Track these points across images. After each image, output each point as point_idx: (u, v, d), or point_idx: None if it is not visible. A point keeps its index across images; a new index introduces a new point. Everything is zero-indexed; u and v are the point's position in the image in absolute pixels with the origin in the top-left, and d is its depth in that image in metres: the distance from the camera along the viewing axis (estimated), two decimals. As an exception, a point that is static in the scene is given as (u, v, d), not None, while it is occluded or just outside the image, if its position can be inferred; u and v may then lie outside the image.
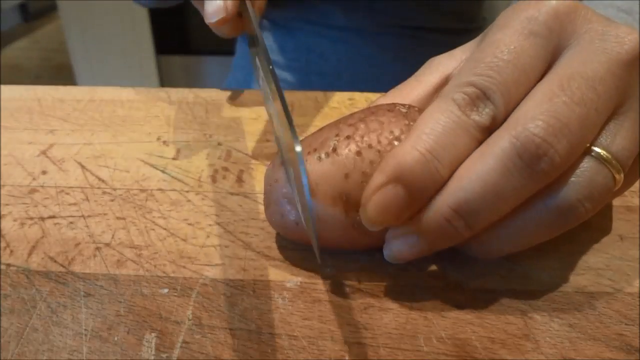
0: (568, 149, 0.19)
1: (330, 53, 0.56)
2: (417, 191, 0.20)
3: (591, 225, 0.26)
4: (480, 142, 0.20)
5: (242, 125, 0.35)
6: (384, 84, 0.56)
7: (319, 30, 0.56)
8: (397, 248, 0.21)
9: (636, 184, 0.28)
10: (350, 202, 0.22)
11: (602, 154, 0.20)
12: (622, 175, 0.21)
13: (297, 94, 0.39)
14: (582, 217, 0.20)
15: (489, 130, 0.20)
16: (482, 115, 0.20)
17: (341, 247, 0.24)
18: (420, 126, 0.20)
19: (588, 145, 0.20)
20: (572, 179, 0.20)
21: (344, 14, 0.54)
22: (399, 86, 0.26)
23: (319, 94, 0.39)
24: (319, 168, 0.22)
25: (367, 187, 0.20)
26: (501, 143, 0.19)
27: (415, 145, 0.20)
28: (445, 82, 0.25)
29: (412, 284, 0.23)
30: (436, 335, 0.21)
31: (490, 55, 0.21)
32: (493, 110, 0.20)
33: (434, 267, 0.24)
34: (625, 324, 0.21)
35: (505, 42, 0.21)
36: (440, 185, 0.20)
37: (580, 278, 0.23)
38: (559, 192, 0.20)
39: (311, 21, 0.56)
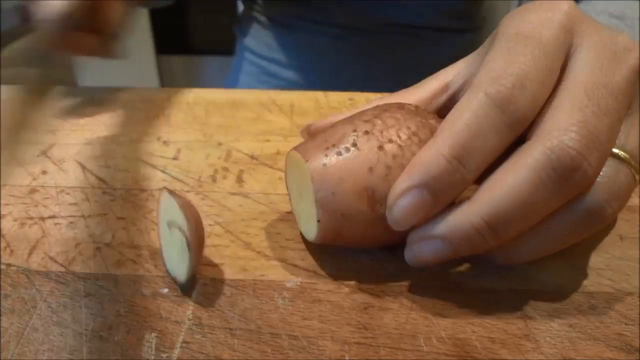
0: (599, 160, 0.19)
1: (330, 51, 0.56)
2: (443, 196, 0.20)
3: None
4: (508, 142, 0.20)
5: (242, 125, 0.35)
6: (384, 83, 0.56)
7: (319, 29, 0.56)
8: (420, 251, 0.21)
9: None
10: (375, 197, 0.21)
11: (620, 154, 0.21)
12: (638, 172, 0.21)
13: (297, 93, 0.39)
14: (610, 218, 0.21)
15: (519, 129, 0.20)
16: (516, 112, 0.20)
17: (361, 245, 0.24)
18: (449, 125, 0.20)
19: None
20: (597, 180, 0.20)
21: (344, 12, 0.54)
22: (399, 92, 0.27)
23: (319, 94, 0.39)
24: (342, 162, 0.22)
25: (393, 188, 0.21)
26: (535, 154, 0.19)
27: (442, 151, 0.20)
28: (445, 88, 0.26)
29: (412, 284, 0.23)
30: (436, 335, 0.21)
31: (523, 53, 0.21)
32: (525, 107, 0.20)
33: (434, 267, 0.24)
34: (625, 324, 0.21)
35: (537, 38, 0.21)
36: (466, 187, 0.20)
37: (580, 278, 0.23)
38: (587, 196, 0.20)
39: (311, 19, 0.56)
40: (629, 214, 0.27)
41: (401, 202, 0.20)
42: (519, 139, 0.21)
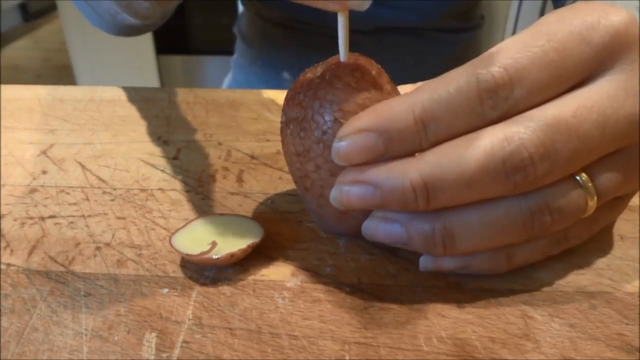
0: (547, 173, 0.19)
1: (329, 52, 0.56)
2: (394, 150, 0.20)
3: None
4: (476, 129, 0.20)
5: (242, 125, 0.35)
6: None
7: (318, 30, 0.56)
8: (348, 191, 0.21)
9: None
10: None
11: (583, 179, 0.21)
12: (594, 202, 0.21)
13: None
14: (547, 226, 0.21)
15: (492, 121, 0.20)
16: (495, 109, 0.20)
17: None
18: (432, 88, 0.20)
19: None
20: (548, 188, 0.20)
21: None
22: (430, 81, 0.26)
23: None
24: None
25: (350, 122, 0.20)
26: (493, 140, 0.19)
27: (414, 108, 0.20)
28: None
29: (412, 284, 0.23)
30: (436, 335, 0.21)
31: (539, 46, 0.20)
32: (509, 104, 0.20)
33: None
34: (626, 324, 0.21)
35: (556, 38, 0.20)
36: (414, 153, 0.20)
37: (580, 278, 0.23)
38: (532, 195, 0.20)
39: (310, 21, 0.56)
40: (629, 213, 0.27)
41: (353, 138, 0.20)
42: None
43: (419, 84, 0.25)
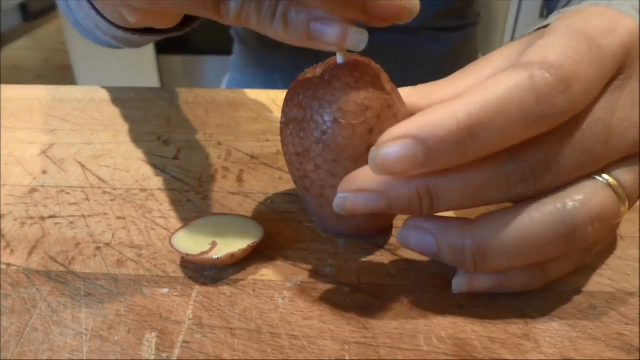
0: (548, 185, 0.19)
1: (324, 54, 0.56)
2: (435, 161, 0.18)
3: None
4: (529, 136, 0.19)
5: (242, 125, 0.35)
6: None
7: None
8: (352, 200, 0.20)
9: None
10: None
11: (614, 185, 0.20)
12: (626, 207, 0.21)
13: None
14: (589, 238, 0.20)
15: (546, 126, 0.19)
16: (551, 108, 0.18)
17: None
18: (478, 91, 0.18)
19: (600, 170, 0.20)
20: (579, 198, 0.20)
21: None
22: (431, 83, 0.25)
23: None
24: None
25: (390, 130, 0.19)
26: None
27: (458, 115, 0.18)
28: None
29: (412, 284, 0.23)
30: (436, 335, 0.21)
31: (583, 41, 0.19)
32: (562, 106, 0.18)
33: (434, 267, 0.24)
34: (626, 324, 0.21)
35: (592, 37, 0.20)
36: (462, 163, 0.19)
37: (581, 278, 0.23)
38: (572, 208, 0.19)
39: None
40: (629, 213, 0.27)
41: (391, 147, 0.18)
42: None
43: (419, 86, 0.25)
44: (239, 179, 0.30)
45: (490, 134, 0.18)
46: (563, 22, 0.21)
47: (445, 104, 0.18)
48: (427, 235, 0.21)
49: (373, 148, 0.19)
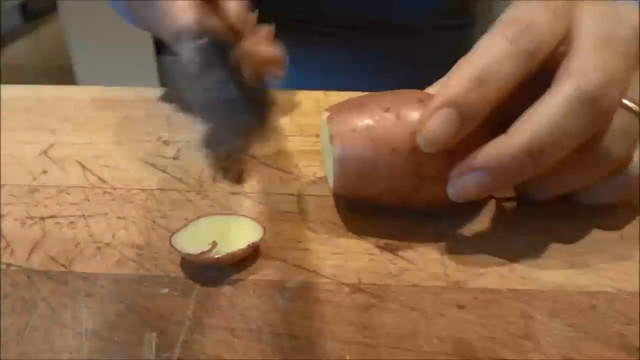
0: (619, 91, 0.22)
1: (324, 49, 0.56)
2: (469, 113, 0.22)
3: (592, 224, 0.26)
4: (524, 71, 0.22)
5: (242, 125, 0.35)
6: (378, 80, 0.56)
7: (312, 27, 0.56)
8: (462, 184, 0.22)
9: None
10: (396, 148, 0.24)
11: (632, 106, 0.23)
12: None
13: (297, 93, 0.39)
14: (622, 158, 0.24)
15: (533, 59, 0.22)
16: (527, 43, 0.22)
17: (381, 196, 0.26)
18: (469, 58, 0.22)
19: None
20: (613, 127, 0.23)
21: (336, 12, 0.54)
22: (443, 79, 0.27)
23: (319, 94, 0.39)
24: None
25: (422, 113, 0.23)
26: (564, 88, 0.21)
27: (464, 74, 0.22)
28: None
29: (412, 284, 0.23)
30: (436, 335, 0.21)
31: (528, 4, 0.23)
32: (536, 40, 0.22)
33: (434, 267, 0.24)
34: (626, 324, 0.21)
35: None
36: (490, 108, 0.22)
37: (581, 278, 0.23)
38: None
39: (304, 19, 0.56)
40: (629, 213, 0.27)
41: (430, 122, 0.22)
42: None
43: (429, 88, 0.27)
44: (239, 179, 0.30)
45: (493, 75, 0.22)
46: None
47: (451, 75, 0.23)
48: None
49: (417, 133, 0.23)
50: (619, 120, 0.23)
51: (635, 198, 0.28)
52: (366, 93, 0.27)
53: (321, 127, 0.28)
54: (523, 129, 0.21)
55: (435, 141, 0.22)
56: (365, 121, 0.24)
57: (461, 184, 0.23)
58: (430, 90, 0.27)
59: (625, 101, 0.23)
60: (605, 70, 0.21)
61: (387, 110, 0.24)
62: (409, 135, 0.23)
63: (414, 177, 0.24)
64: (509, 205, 0.28)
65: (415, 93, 0.25)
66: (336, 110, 0.26)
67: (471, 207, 0.27)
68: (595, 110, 0.21)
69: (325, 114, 0.26)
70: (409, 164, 0.24)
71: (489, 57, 0.22)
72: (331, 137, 0.25)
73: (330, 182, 0.27)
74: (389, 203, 0.26)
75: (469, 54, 0.23)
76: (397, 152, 0.24)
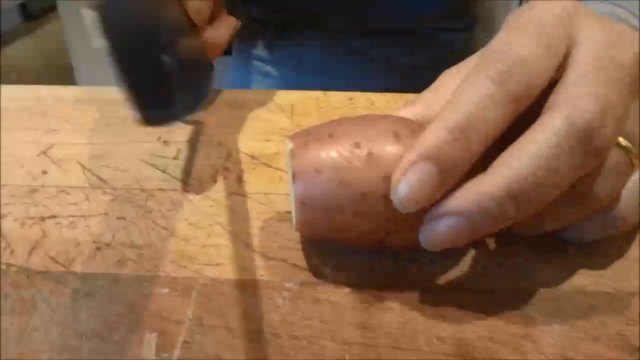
0: (615, 126, 0.20)
1: (325, 51, 0.56)
2: (449, 169, 0.19)
3: (591, 225, 0.26)
4: (511, 115, 0.20)
5: (242, 126, 0.35)
6: (379, 82, 0.56)
7: (313, 31, 0.56)
8: (435, 230, 0.20)
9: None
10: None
11: (621, 142, 0.21)
12: (637, 161, 0.22)
13: (297, 93, 0.39)
14: (604, 200, 0.22)
15: (520, 103, 0.20)
16: (515, 85, 0.20)
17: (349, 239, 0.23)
18: (450, 103, 0.20)
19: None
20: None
21: (337, 16, 0.55)
22: (422, 96, 0.25)
23: (319, 94, 0.39)
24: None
25: (398, 167, 0.20)
26: (553, 122, 0.19)
27: (443, 124, 0.19)
28: None
29: (412, 284, 0.23)
30: (436, 335, 0.21)
31: (518, 37, 0.21)
32: (524, 81, 0.20)
33: (434, 267, 0.24)
34: (626, 324, 0.21)
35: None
36: (472, 160, 0.19)
37: (580, 278, 0.23)
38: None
39: (305, 22, 0.56)
40: (629, 213, 0.27)
41: (406, 179, 0.19)
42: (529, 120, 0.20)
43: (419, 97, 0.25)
44: (239, 179, 0.30)
45: (477, 124, 0.19)
46: (506, 23, 0.22)
47: (431, 125, 0.20)
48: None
49: (391, 191, 0.20)
50: (610, 156, 0.21)
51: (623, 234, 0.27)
52: (337, 118, 0.24)
53: (284, 155, 0.25)
54: (505, 168, 0.19)
55: (411, 202, 0.19)
56: (332, 160, 0.21)
57: (434, 230, 0.20)
58: (407, 111, 0.25)
59: (623, 144, 0.21)
60: (599, 99, 0.19)
61: (357, 146, 0.21)
62: (382, 179, 0.21)
63: (387, 223, 0.22)
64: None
65: (391, 122, 0.22)
66: (301, 142, 0.22)
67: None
68: (588, 147, 0.19)
69: (290, 145, 0.23)
70: (381, 209, 0.21)
71: (471, 103, 0.19)
72: (294, 176, 0.22)
73: (293, 221, 0.23)
74: (361, 247, 0.24)
75: (450, 98, 0.20)
76: (367, 197, 0.21)
